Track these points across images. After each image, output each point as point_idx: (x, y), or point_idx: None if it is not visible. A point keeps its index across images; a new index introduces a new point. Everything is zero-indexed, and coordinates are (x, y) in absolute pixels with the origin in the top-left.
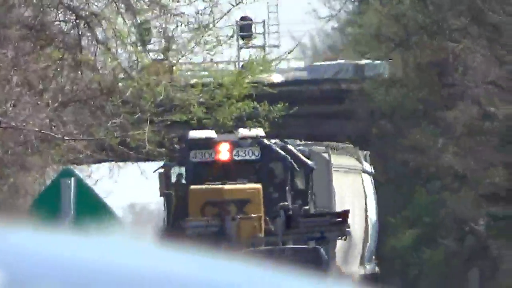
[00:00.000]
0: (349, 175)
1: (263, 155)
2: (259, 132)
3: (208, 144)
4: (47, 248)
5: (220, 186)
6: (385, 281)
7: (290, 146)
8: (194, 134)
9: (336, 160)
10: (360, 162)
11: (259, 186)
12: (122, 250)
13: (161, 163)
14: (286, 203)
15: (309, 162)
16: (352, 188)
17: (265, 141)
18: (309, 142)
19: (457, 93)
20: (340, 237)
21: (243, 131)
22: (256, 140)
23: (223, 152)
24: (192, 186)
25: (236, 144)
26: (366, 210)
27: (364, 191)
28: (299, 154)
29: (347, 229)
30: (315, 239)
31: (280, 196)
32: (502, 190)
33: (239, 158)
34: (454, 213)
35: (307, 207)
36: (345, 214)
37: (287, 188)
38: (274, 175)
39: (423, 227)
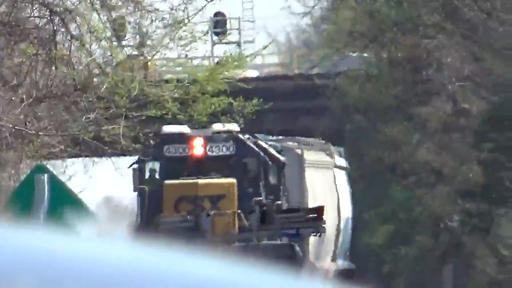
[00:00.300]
0: (322, 171)
1: (237, 150)
2: (233, 127)
3: (182, 139)
4: (21, 244)
5: (194, 180)
6: (359, 277)
7: (261, 142)
8: (168, 129)
9: (309, 155)
10: (332, 158)
11: (233, 181)
12: (95, 247)
13: (136, 158)
14: (261, 198)
15: (281, 157)
16: (324, 184)
17: (239, 136)
18: (281, 138)
19: (431, 89)
20: (315, 234)
21: (217, 126)
22: (230, 135)
23: (197, 147)
24: (166, 181)
25: (210, 139)
26: (338, 206)
27: (336, 187)
28: (271, 150)
29: (322, 225)
30: (290, 235)
31: (254, 192)
32: (477, 186)
33: (213, 153)
34: (429, 210)
35: (279, 202)
36: (320, 210)
37: (261, 183)
38: (248, 170)
39: (398, 223)
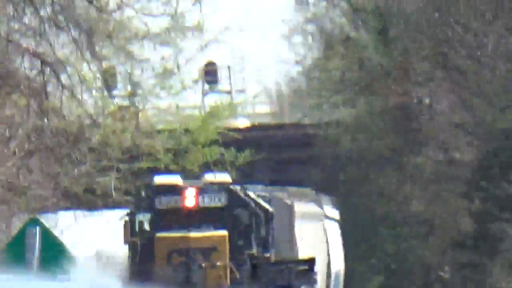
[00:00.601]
0: (311, 222)
1: (229, 202)
2: (225, 177)
3: (174, 190)
4: None
5: (186, 234)
6: None
7: (250, 192)
8: (159, 180)
9: (298, 206)
10: (321, 208)
11: (225, 233)
12: None
13: (127, 211)
14: (253, 251)
15: (269, 208)
16: (314, 235)
17: (231, 187)
18: (270, 188)
19: (422, 138)
20: (307, 285)
21: (208, 177)
22: (222, 186)
23: (189, 198)
24: (158, 234)
25: (202, 190)
26: (328, 258)
27: (327, 238)
28: (259, 200)
29: (313, 277)
30: (282, 287)
31: (246, 244)
32: (468, 238)
33: (205, 204)
34: (421, 260)
35: (268, 254)
36: (311, 261)
37: (252, 235)
38: (240, 221)
39: (389, 274)
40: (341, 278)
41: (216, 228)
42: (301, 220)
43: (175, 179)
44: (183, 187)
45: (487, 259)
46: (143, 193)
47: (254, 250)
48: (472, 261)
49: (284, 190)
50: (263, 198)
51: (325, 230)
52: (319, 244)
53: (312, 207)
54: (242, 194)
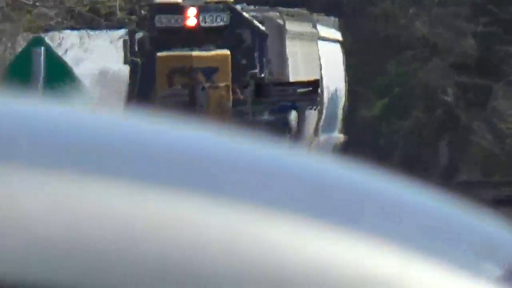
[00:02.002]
0: (304, 43)
1: (231, 21)
2: None
3: (175, 9)
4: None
5: (189, 52)
6: (354, 150)
7: (241, 11)
8: None
9: (290, 26)
10: (316, 28)
11: (227, 52)
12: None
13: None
14: (256, 71)
15: (262, 28)
16: (307, 56)
17: (233, 6)
18: (262, 7)
19: None
20: (310, 107)
21: None
22: (225, 4)
23: (191, 17)
24: (159, 53)
25: (204, 9)
26: (321, 76)
27: (319, 60)
28: (253, 20)
29: (316, 98)
30: (286, 108)
31: (248, 64)
32: (472, 60)
33: (207, 23)
34: (424, 83)
35: (262, 75)
36: (315, 82)
37: (255, 55)
38: (242, 41)
39: (393, 97)
40: (342, 98)
41: (218, 47)
42: (292, 41)
43: None
44: (184, 5)
45: (491, 81)
46: (144, 12)
47: (257, 71)
48: (475, 83)
49: (276, 10)
50: (256, 18)
51: (318, 52)
52: (311, 66)
53: (304, 28)
54: (245, 13)
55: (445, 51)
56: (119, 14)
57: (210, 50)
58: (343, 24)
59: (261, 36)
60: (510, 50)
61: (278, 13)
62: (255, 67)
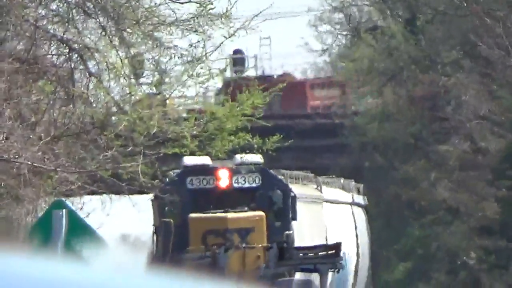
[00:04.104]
0: (339, 207)
1: (263, 182)
2: (257, 158)
3: (206, 171)
4: (37, 273)
5: (223, 214)
6: None
7: (273, 172)
8: (189, 160)
9: (326, 192)
10: (349, 193)
11: (262, 214)
12: (112, 277)
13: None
14: (291, 232)
15: (292, 190)
16: (343, 220)
17: (265, 168)
18: (296, 173)
19: (449, 127)
20: (333, 270)
21: (239, 158)
22: (256, 166)
23: (223, 179)
24: (192, 214)
25: (236, 171)
26: (357, 244)
27: (355, 222)
28: (283, 181)
29: (340, 262)
30: (308, 271)
31: (283, 224)
32: (494, 223)
33: (239, 185)
34: (446, 247)
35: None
36: (337, 246)
37: (289, 216)
38: (274, 203)
39: (415, 260)
40: (367, 263)
41: (251, 209)
42: (329, 205)
43: (205, 160)
44: (215, 167)
45: None
46: (172, 175)
47: (292, 232)
48: (498, 247)
49: (309, 175)
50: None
51: (353, 215)
52: (347, 229)
53: (339, 193)
54: (277, 175)
55: (467, 215)
56: (141, 178)
57: (245, 211)
58: (365, 188)
59: (292, 198)
60: None
61: (312, 178)
62: (289, 228)
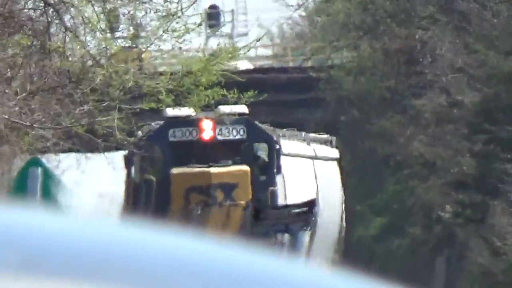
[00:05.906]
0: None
1: (248, 134)
2: (242, 108)
3: (189, 122)
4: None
5: (206, 169)
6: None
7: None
8: (172, 112)
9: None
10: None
11: (247, 168)
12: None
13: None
14: (276, 188)
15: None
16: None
17: (250, 119)
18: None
19: (425, 81)
20: (305, 228)
21: (224, 108)
22: (241, 118)
23: (207, 130)
24: (174, 170)
25: (220, 121)
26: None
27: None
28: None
29: (312, 219)
30: (280, 231)
31: (268, 179)
32: (470, 178)
33: (223, 137)
34: (422, 201)
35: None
36: (311, 203)
37: (273, 170)
38: (259, 156)
39: (391, 215)
40: (338, 219)
41: (236, 163)
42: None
43: (188, 111)
44: (198, 118)
45: (489, 200)
46: (153, 126)
47: (277, 188)
48: (473, 201)
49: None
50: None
51: (314, 168)
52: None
53: (300, 146)
54: (262, 127)
55: (442, 170)
56: (117, 134)
57: (229, 165)
58: (340, 143)
59: (278, 152)
60: (507, 168)
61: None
62: (274, 184)
